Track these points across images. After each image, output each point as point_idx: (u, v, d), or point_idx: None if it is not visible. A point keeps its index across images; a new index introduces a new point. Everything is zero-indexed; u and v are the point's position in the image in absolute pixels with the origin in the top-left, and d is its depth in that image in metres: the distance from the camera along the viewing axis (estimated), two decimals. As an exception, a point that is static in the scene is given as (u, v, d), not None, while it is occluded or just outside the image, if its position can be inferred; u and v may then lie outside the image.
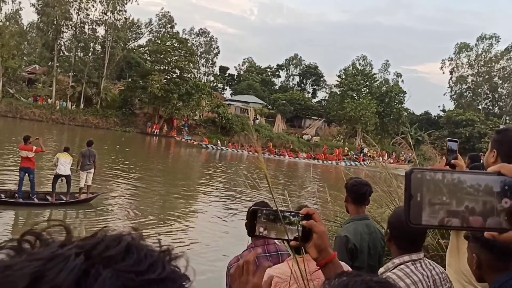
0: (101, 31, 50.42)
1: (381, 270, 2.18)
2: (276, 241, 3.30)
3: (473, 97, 69.93)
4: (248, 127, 48.00)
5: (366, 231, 3.40)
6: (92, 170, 13.17)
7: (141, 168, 22.39)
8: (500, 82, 68.15)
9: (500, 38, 66.68)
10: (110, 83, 52.96)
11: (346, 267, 1.95)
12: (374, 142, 10.52)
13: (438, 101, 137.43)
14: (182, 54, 48.77)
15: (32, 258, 0.44)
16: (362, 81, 57.91)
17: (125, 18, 51.90)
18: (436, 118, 69.38)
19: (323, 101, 71.72)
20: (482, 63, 67.82)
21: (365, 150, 50.81)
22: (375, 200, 5.19)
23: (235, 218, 13.66)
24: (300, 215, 1.24)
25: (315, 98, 73.77)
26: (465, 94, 70.38)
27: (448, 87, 71.47)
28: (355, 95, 55.83)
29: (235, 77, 78.52)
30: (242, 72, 77.77)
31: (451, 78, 71.01)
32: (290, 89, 71.73)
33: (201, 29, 74.68)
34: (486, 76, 67.79)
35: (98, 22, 49.45)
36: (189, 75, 49.54)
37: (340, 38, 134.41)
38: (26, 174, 11.96)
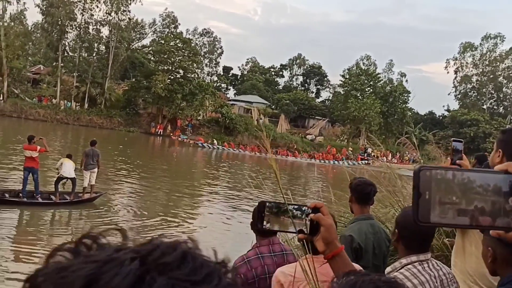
0: (105, 31, 50.73)
1: (388, 269, 2.17)
2: (281, 241, 3.29)
3: (478, 97, 69.70)
4: (252, 127, 48.07)
5: (371, 231, 3.38)
6: (96, 170, 13.21)
7: (141, 168, 22.44)
8: (505, 81, 67.93)
9: (505, 38, 66.46)
10: (114, 83, 53.11)
11: (357, 266, 1.94)
12: (378, 142, 10.52)
13: (443, 101, 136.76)
14: (186, 54, 48.86)
15: (88, 260, 0.44)
16: (366, 81, 57.78)
17: (129, 18, 52.11)
18: (441, 118, 69.21)
19: (326, 101, 71.62)
20: (487, 63, 67.59)
21: (369, 150, 50.72)
22: (379, 200, 5.17)
23: (239, 218, 13.66)
24: (308, 209, 1.26)
25: (318, 98, 73.75)
26: (469, 93, 70.16)
27: (453, 87, 71.41)
28: (359, 95, 55.71)
29: (238, 77, 78.57)
30: (245, 72, 77.82)
31: (455, 77, 70.89)
32: (294, 89, 71.68)
33: (204, 29, 74.96)
34: (491, 76, 67.55)
35: (102, 22, 49.64)
36: (192, 75, 49.64)
37: (344, 38, 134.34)
38: (30, 174, 12.02)
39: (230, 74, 79.01)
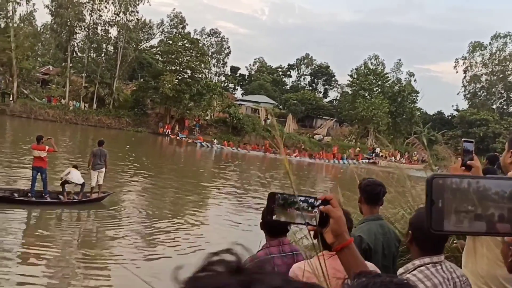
0: (113, 32, 50.97)
1: (400, 270, 2.14)
2: (290, 241, 3.27)
3: (487, 97, 69.06)
4: (259, 127, 47.97)
5: (380, 232, 3.35)
6: (103, 170, 13.26)
7: (140, 166, 22.54)
8: (515, 81, 67.22)
9: (514, 37, 65.77)
10: (122, 83, 53.40)
11: (372, 267, 1.92)
12: (386, 142, 10.45)
13: (452, 101, 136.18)
14: (194, 55, 48.98)
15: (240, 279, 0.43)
16: (374, 81, 57.51)
17: (137, 19, 52.37)
18: (450, 117, 68.68)
19: (334, 101, 71.42)
20: (496, 62, 66.95)
21: (377, 150, 50.45)
22: (388, 201, 5.12)
23: (248, 217, 13.61)
24: (318, 201, 1.27)
25: (326, 98, 73.57)
26: (479, 93, 69.53)
27: (462, 87, 70.78)
28: (367, 95, 55.47)
29: (246, 77, 78.59)
30: (253, 72, 77.82)
31: (464, 77, 70.25)
32: (301, 89, 71.55)
33: (212, 29, 75.03)
34: (501, 75, 66.89)
35: (110, 23, 49.90)
36: (200, 75, 49.73)
37: (351, 38, 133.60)
38: (39, 174, 12.10)
39: (238, 74, 79.05)
